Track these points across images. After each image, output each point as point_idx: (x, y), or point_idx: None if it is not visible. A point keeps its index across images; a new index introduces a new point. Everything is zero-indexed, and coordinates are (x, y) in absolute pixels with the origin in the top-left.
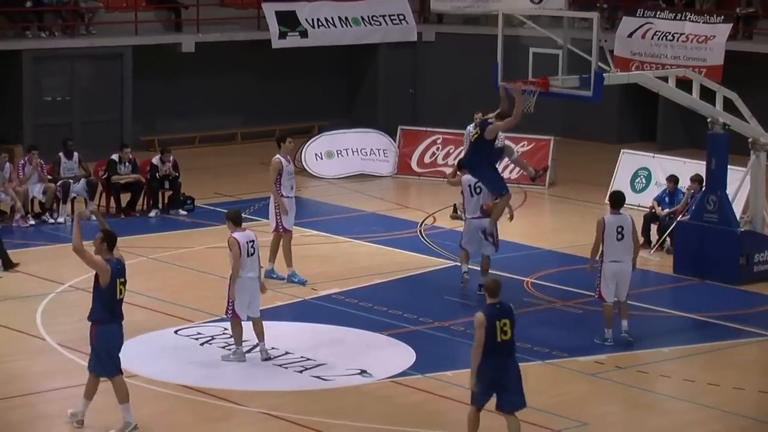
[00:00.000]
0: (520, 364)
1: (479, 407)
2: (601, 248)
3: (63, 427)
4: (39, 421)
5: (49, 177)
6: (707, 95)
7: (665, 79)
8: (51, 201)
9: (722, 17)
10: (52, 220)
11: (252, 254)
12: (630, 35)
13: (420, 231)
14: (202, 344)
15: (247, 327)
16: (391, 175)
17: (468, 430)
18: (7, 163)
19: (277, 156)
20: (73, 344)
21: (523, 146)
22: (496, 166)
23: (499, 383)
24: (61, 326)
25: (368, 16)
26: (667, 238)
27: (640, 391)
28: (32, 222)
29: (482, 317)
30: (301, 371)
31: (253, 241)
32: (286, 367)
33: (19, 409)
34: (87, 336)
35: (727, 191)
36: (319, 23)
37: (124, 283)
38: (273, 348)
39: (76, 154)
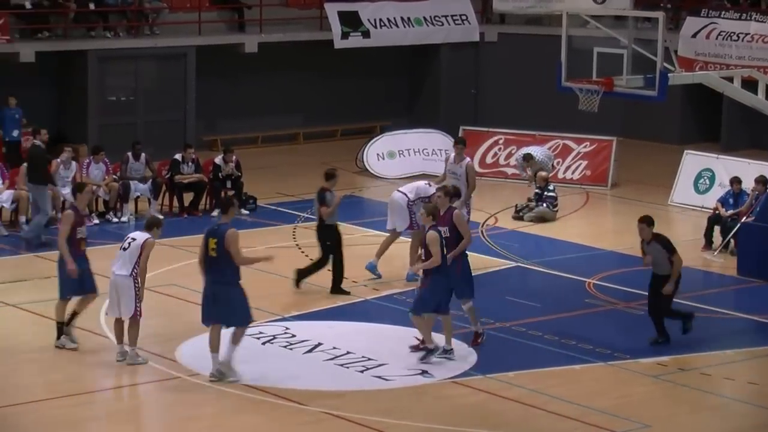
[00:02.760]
0: (581, 365)
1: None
2: None
3: (125, 426)
4: (103, 418)
5: (114, 176)
6: None
7: (730, 79)
8: (114, 200)
9: None
10: (115, 219)
11: (126, 249)
12: (694, 35)
13: (482, 231)
14: (263, 344)
15: (304, 326)
16: None
17: (426, 330)
18: (73, 162)
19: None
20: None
21: (585, 147)
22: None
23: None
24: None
25: (430, 17)
26: (731, 240)
27: (703, 394)
28: (96, 221)
29: (436, 235)
30: (362, 371)
31: (134, 240)
32: (348, 367)
33: (84, 407)
34: (149, 334)
35: None
36: (382, 23)
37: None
38: (334, 348)
39: (143, 155)
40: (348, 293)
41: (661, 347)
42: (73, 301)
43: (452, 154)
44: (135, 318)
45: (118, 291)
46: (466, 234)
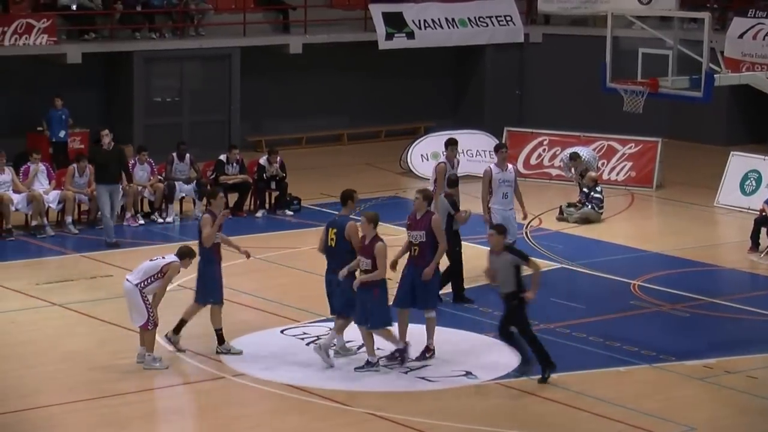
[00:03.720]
0: (627, 367)
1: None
2: None
3: (170, 425)
4: (149, 418)
5: (159, 177)
6: None
7: None
8: (160, 200)
9: None
10: (161, 220)
11: (151, 261)
12: (741, 36)
13: (526, 233)
14: (308, 344)
15: (348, 327)
16: None
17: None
18: None
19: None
20: (180, 343)
21: (630, 148)
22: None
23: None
24: (170, 326)
25: (475, 17)
26: None
27: (749, 397)
28: (142, 221)
29: (385, 247)
30: (406, 372)
31: (162, 258)
32: (391, 368)
33: (130, 406)
34: (194, 334)
35: None
36: (426, 24)
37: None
38: (379, 348)
39: (188, 156)
40: (471, 301)
41: (708, 349)
42: (189, 308)
43: (492, 165)
44: (145, 328)
45: (127, 297)
46: (442, 241)
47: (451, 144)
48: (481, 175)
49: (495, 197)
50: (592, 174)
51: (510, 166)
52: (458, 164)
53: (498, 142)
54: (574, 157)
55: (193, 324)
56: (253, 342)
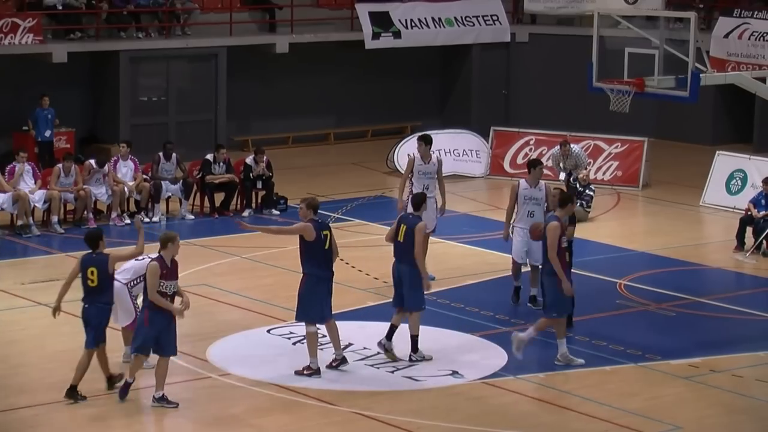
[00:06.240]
0: (613, 366)
1: None
2: None
3: (156, 425)
4: (135, 417)
5: (145, 176)
6: None
7: (763, 79)
8: (146, 200)
9: None
10: (147, 219)
11: (138, 260)
12: (726, 36)
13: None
14: (294, 343)
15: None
16: (483, 176)
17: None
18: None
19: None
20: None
21: (616, 147)
22: None
23: None
24: None
25: (461, 17)
26: (764, 241)
27: (735, 396)
28: (128, 221)
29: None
30: (392, 371)
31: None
32: (378, 368)
33: (116, 405)
34: (180, 334)
35: None
36: (413, 24)
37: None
38: (365, 348)
39: (174, 155)
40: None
41: (693, 348)
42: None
43: (523, 180)
44: (131, 327)
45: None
46: (295, 233)
47: (421, 139)
48: (469, 175)
49: (519, 215)
50: (585, 173)
51: (542, 183)
52: (439, 163)
53: (533, 158)
54: (563, 144)
55: (179, 323)
56: (239, 341)
